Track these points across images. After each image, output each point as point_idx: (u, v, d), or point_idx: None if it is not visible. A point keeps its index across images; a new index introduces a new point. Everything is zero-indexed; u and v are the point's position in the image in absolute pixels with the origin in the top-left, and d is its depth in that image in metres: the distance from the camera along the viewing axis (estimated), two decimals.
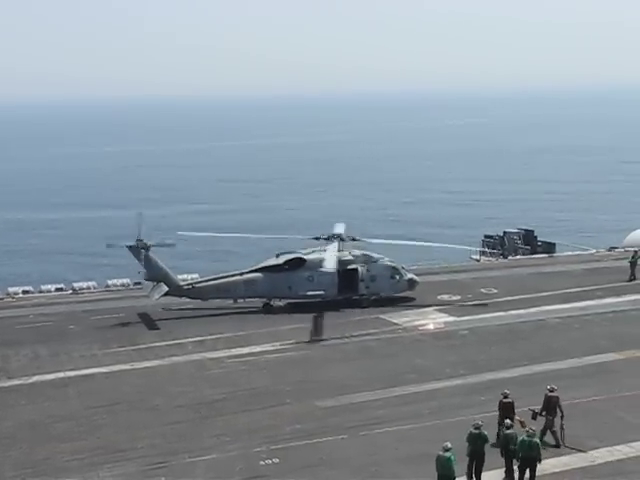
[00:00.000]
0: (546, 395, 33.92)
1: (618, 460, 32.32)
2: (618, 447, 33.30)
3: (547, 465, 31.40)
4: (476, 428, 30.78)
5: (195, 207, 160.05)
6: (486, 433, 30.72)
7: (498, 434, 32.37)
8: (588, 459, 32.32)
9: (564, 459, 32.23)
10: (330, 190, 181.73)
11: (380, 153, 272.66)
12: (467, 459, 30.27)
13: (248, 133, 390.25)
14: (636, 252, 65.23)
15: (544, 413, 33.70)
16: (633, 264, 64.59)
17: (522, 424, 31.93)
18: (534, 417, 33.31)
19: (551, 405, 33.65)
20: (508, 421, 31.58)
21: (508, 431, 31.06)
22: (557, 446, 33.21)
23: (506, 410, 33.20)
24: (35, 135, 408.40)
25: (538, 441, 30.36)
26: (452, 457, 28.70)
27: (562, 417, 33.60)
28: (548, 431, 33.57)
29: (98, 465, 32.70)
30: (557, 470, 31.39)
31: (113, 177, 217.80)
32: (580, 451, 32.91)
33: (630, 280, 63.71)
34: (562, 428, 33.55)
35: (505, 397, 33.81)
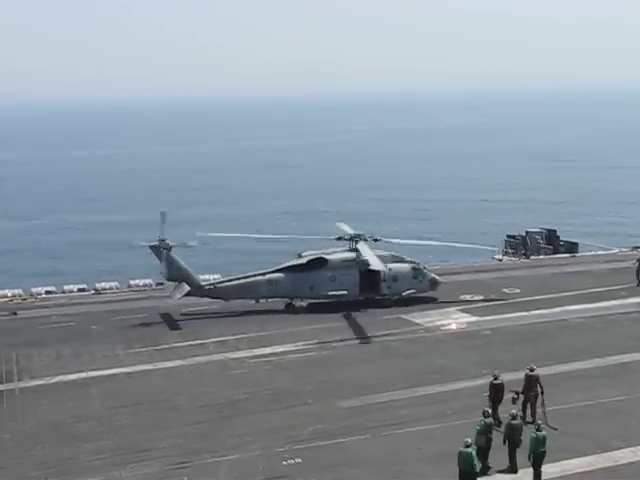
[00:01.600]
0: (526, 375, 35.66)
1: None
2: None
3: (571, 465, 31.55)
4: (487, 417, 31.64)
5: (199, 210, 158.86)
6: (494, 422, 31.93)
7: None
8: (612, 459, 32.18)
9: (588, 459, 32.13)
10: (342, 193, 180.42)
11: (381, 154, 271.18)
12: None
13: (248, 134, 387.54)
14: None
15: (526, 392, 35.37)
16: None
17: (514, 401, 34.60)
18: (514, 401, 34.83)
19: (532, 384, 35.27)
20: (514, 411, 32.31)
21: (514, 421, 31.53)
22: (532, 422, 33.63)
23: (496, 391, 35.02)
24: (39, 136, 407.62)
25: (545, 434, 30.65)
26: (473, 453, 28.81)
27: (542, 393, 35.16)
28: (528, 408, 35.39)
29: (121, 465, 32.80)
30: (581, 470, 31.32)
31: (118, 179, 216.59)
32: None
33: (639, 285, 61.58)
34: (543, 405, 35.07)
35: (495, 379, 35.51)
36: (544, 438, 30.35)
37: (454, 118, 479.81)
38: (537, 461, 30.42)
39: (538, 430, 30.63)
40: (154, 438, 35.41)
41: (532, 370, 35.76)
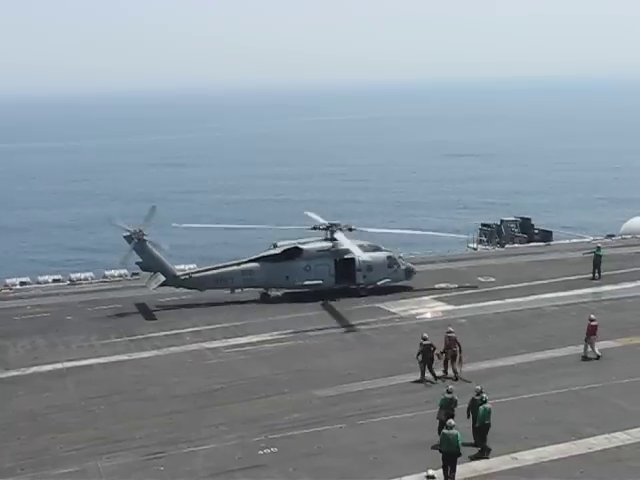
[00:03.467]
0: (445, 336, 40.12)
1: (616, 447, 32.40)
2: (615, 434, 33.40)
3: (545, 452, 31.67)
4: (449, 392, 32.57)
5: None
6: (457, 398, 32.44)
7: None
8: (586, 446, 32.43)
9: (562, 446, 32.26)
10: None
11: (373, 145, 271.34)
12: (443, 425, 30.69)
13: (246, 125, 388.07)
14: (599, 247, 63.06)
15: (447, 350, 39.90)
16: (598, 260, 61.49)
17: (438, 357, 39.64)
18: (439, 357, 39.74)
19: (451, 343, 39.80)
20: (478, 387, 32.66)
21: (477, 397, 31.90)
22: (455, 378, 38.94)
23: (427, 351, 39.21)
24: (35, 129, 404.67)
25: (490, 407, 31.44)
26: (459, 435, 28.98)
27: (460, 351, 39.76)
28: (449, 365, 39.82)
29: (97, 455, 32.68)
30: (555, 457, 31.44)
31: (111, 170, 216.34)
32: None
33: (594, 278, 61.03)
34: (460, 361, 39.78)
35: (425, 340, 39.46)
36: (488, 410, 31.19)
37: (454, 110, 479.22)
38: (481, 433, 31.19)
39: (482, 401, 31.43)
40: (130, 428, 35.33)
41: (449, 332, 40.17)
